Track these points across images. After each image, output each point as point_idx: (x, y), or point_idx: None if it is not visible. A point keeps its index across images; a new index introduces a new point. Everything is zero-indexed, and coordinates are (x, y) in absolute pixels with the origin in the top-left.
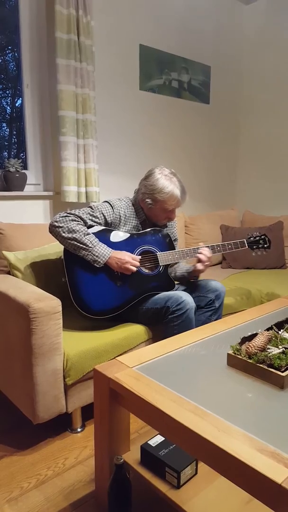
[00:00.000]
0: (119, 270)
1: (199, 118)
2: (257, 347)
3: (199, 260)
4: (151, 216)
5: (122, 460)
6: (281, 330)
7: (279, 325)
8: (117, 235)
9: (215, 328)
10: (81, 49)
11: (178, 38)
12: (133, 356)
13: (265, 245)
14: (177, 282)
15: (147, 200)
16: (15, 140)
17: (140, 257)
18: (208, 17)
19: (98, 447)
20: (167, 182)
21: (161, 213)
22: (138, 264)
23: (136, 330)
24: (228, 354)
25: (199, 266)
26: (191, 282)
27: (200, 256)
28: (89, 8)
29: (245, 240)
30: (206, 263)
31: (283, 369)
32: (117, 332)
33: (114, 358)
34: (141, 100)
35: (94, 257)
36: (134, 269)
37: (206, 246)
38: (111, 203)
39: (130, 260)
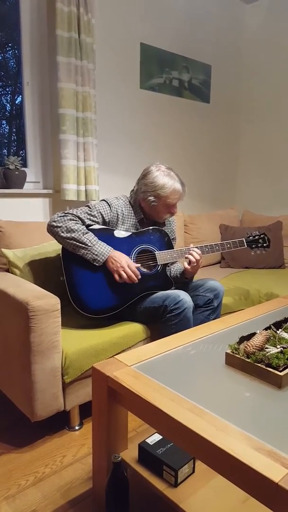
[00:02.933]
0: (112, 271)
1: (199, 117)
2: (255, 346)
3: (189, 261)
4: (153, 213)
5: (119, 458)
6: (279, 330)
7: (278, 325)
8: (116, 234)
9: (213, 327)
10: (82, 47)
11: (179, 37)
12: (132, 354)
13: (264, 244)
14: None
15: (149, 198)
16: (15, 137)
17: (139, 264)
18: (209, 16)
19: (96, 445)
20: (166, 178)
21: (164, 209)
22: (130, 273)
23: (134, 328)
24: (227, 353)
25: (186, 265)
26: (189, 281)
27: (189, 256)
28: (90, 6)
29: (244, 239)
30: (194, 265)
31: (281, 369)
32: (116, 331)
33: (112, 356)
34: (142, 99)
35: (94, 256)
36: (125, 276)
37: (204, 246)
38: (108, 202)
39: (125, 266)
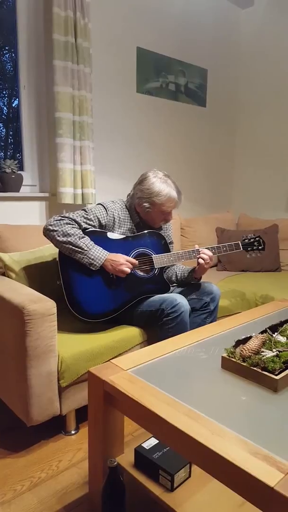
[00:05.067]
0: (114, 272)
1: (195, 121)
2: (251, 350)
3: (202, 259)
4: (148, 219)
5: (115, 463)
6: (275, 333)
7: (273, 328)
8: (113, 237)
9: (209, 330)
10: (79, 51)
11: (175, 41)
12: (128, 358)
13: (260, 247)
14: (175, 285)
15: (144, 204)
16: (11, 140)
17: (136, 260)
18: (205, 20)
19: (92, 449)
20: (163, 185)
21: (158, 215)
22: (131, 266)
23: (131, 332)
24: (223, 357)
25: (200, 261)
26: (186, 284)
27: (202, 255)
28: (86, 10)
29: (239, 242)
30: (208, 261)
31: (276, 373)
32: (112, 335)
33: (108, 360)
34: (138, 103)
35: (90, 260)
36: (128, 270)
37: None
38: (105, 205)
39: (125, 262)
